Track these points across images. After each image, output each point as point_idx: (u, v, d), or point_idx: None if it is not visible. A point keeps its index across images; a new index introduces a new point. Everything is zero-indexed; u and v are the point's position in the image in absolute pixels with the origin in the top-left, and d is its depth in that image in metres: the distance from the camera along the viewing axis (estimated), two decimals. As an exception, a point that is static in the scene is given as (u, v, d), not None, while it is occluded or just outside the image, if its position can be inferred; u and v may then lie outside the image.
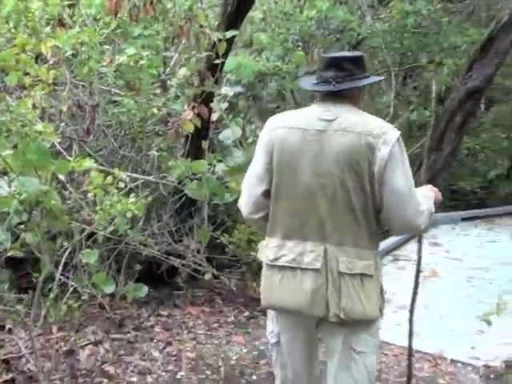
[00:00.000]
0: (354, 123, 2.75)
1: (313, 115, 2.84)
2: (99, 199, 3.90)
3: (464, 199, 10.72)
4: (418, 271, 3.58)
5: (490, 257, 7.59)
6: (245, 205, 2.99)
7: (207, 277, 5.58)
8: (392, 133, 2.72)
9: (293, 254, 2.81)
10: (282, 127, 2.87)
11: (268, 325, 3.04)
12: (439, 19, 9.51)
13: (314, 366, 3.04)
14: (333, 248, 2.75)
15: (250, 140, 5.62)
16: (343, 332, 2.82)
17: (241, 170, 5.59)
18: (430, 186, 3.15)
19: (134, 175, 5.53)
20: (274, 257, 2.86)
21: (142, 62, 5.04)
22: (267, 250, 2.91)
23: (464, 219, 9.72)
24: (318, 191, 2.76)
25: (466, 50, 9.63)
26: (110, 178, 3.91)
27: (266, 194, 2.90)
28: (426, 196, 2.95)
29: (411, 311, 3.57)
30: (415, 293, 3.56)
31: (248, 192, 2.96)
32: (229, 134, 5.51)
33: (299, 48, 9.42)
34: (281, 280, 2.84)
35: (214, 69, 5.24)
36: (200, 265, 5.68)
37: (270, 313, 3.02)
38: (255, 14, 9.00)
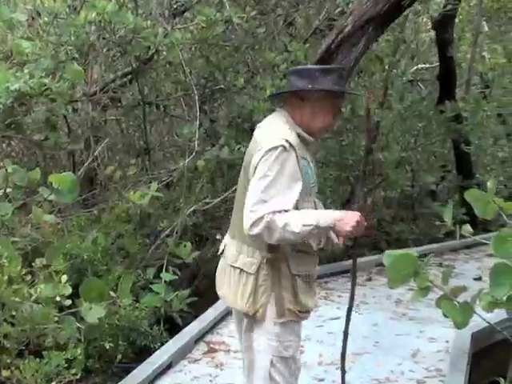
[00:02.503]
0: (261, 132, 3.62)
1: None
2: None
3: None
4: (350, 308, 3.90)
5: (340, 343, 5.98)
6: None
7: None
8: (267, 144, 3.41)
9: (222, 245, 3.80)
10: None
11: None
12: (254, 30, 8.66)
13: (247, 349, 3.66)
14: (229, 241, 3.69)
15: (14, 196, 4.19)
16: (244, 322, 3.61)
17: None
18: (354, 214, 3.37)
19: None
20: (221, 250, 3.82)
21: None
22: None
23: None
24: (236, 194, 3.72)
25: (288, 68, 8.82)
26: None
27: None
28: (320, 214, 3.44)
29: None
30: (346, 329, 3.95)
31: None
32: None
33: (75, 61, 8.07)
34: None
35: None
36: None
37: None
38: (17, 15, 7.50)
